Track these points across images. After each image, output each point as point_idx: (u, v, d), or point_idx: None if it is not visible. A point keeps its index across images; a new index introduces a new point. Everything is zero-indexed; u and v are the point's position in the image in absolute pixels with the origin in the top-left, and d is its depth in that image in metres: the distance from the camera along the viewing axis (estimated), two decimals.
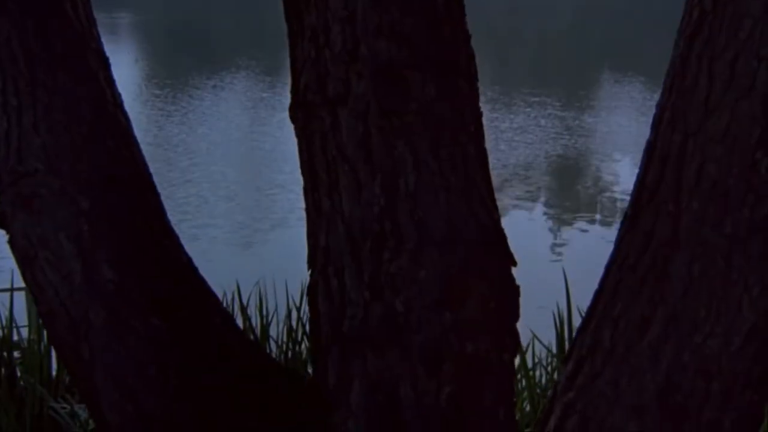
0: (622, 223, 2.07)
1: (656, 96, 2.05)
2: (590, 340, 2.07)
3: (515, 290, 2.09)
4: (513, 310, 2.09)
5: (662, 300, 1.97)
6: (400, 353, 1.99)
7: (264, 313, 4.75)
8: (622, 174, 13.59)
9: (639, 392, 1.99)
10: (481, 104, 2.09)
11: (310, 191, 2.09)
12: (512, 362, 2.10)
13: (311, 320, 2.09)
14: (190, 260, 2.13)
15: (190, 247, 2.18)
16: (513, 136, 15.10)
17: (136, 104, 16.71)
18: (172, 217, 2.18)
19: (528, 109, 17.44)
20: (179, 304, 2.03)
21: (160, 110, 16.77)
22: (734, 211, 1.91)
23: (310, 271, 2.10)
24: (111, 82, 2.19)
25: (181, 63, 22.35)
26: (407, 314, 1.98)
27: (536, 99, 18.21)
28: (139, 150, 2.16)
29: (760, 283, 1.92)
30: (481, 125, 2.07)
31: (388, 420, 2.00)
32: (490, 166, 2.10)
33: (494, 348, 2.04)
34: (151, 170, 2.17)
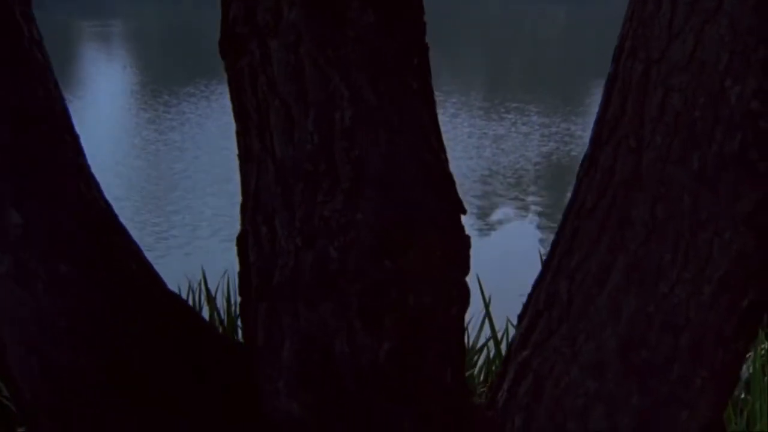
0: (581, 165, 1.90)
1: None
2: (545, 294, 1.89)
3: (465, 240, 1.91)
4: (462, 261, 1.91)
5: (623, 246, 1.79)
6: (334, 306, 1.81)
7: (232, 302, 4.59)
8: None
9: (598, 348, 1.81)
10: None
11: (241, 135, 1.92)
12: (461, 319, 1.92)
13: (240, 274, 1.91)
14: (108, 206, 1.95)
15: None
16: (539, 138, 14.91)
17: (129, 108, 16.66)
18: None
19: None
20: (92, 251, 1.85)
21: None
22: (701, 145, 1.74)
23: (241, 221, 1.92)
24: (29, 18, 2.02)
25: (168, 69, 22.24)
26: (342, 263, 1.80)
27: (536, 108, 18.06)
28: (57, 89, 1.99)
29: (732, 225, 1.74)
30: (426, 60, 1.89)
31: (322, 379, 1.82)
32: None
33: (440, 302, 1.86)
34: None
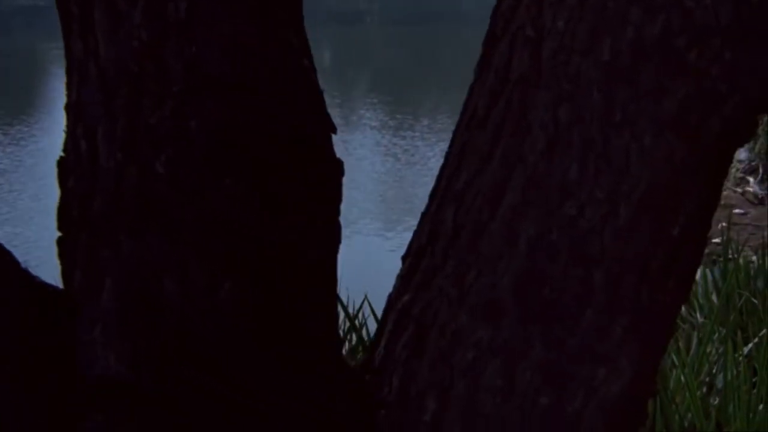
0: (474, 71, 1.55)
1: None
2: (430, 225, 1.54)
3: (335, 165, 1.56)
4: (331, 190, 1.56)
5: (520, 159, 1.44)
6: (162, 235, 1.46)
7: None
8: None
9: (491, 288, 1.45)
10: None
11: (66, 39, 1.58)
12: (329, 260, 1.57)
13: (60, 204, 1.56)
14: None
15: None
16: None
17: None
18: None
19: None
20: None
21: None
22: (613, 30, 1.39)
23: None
24: None
25: None
26: (172, 180, 1.45)
27: None
28: None
29: (654, 127, 1.39)
30: None
31: (148, 325, 1.46)
32: None
33: (301, 235, 1.51)
34: None
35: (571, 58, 1.41)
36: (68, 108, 1.55)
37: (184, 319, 1.45)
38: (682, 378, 3.47)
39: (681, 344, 3.93)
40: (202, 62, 1.46)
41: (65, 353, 1.52)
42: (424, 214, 1.56)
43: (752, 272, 4.83)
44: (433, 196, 1.54)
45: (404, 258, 1.57)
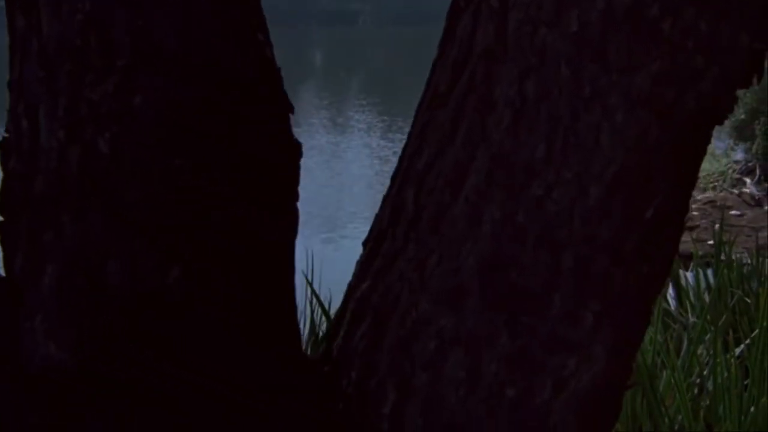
0: (438, 46, 1.49)
1: None
2: (391, 208, 1.48)
3: (292, 146, 1.50)
4: (288, 173, 1.50)
5: (484, 137, 1.38)
6: (107, 218, 1.40)
7: None
8: None
9: (454, 272, 1.39)
10: None
11: (9, 15, 1.52)
12: (289, 248, 1.51)
13: (1, 189, 1.50)
14: None
15: None
16: None
17: None
18: None
19: None
20: None
21: None
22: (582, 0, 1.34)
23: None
24: None
25: None
26: (115, 160, 1.39)
27: None
28: None
29: (626, 103, 1.34)
30: None
31: (91, 312, 1.40)
32: None
33: (255, 220, 1.45)
34: None
35: (537, 30, 1.35)
36: (10, 86, 1.50)
37: (130, 306, 1.39)
38: (673, 379, 3.42)
39: (672, 345, 3.88)
40: (150, 35, 1.41)
41: (8, 344, 1.46)
42: (385, 197, 1.50)
43: (746, 272, 4.79)
44: (394, 177, 1.49)
45: (365, 243, 1.52)
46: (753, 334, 3.71)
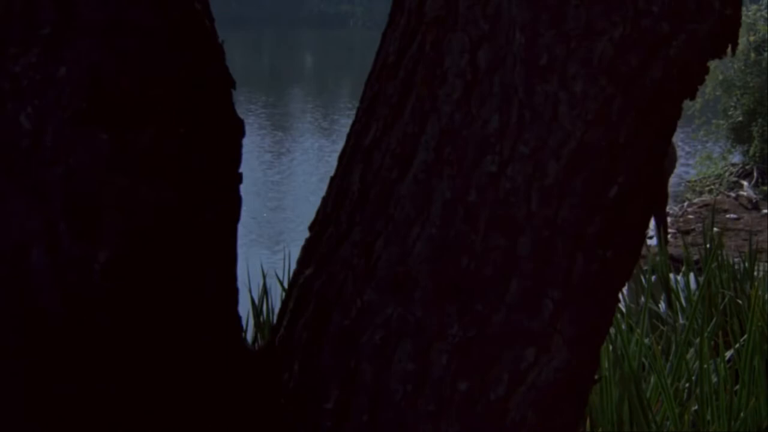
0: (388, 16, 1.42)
1: None
2: (336, 189, 1.40)
3: (234, 123, 1.43)
4: (231, 151, 1.43)
5: (434, 109, 1.31)
6: (30, 198, 1.32)
7: None
8: None
9: (401, 257, 1.32)
10: None
11: None
12: (230, 234, 1.43)
13: None
14: None
15: None
16: None
17: None
18: None
19: None
20: None
21: None
22: None
23: None
24: None
25: None
26: (38, 134, 1.31)
27: None
28: None
29: (586, 72, 1.26)
30: None
31: (17, 303, 1.32)
32: None
33: (192, 201, 1.38)
34: None
35: None
36: None
37: (54, 296, 1.31)
38: (660, 384, 3.34)
39: (660, 347, 3.81)
40: (75, 3, 1.33)
41: None
42: (332, 179, 1.43)
43: (739, 276, 4.73)
44: (341, 157, 1.41)
45: (311, 228, 1.44)
46: (743, 338, 3.64)
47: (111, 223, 1.32)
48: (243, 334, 1.47)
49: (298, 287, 1.40)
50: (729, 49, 1.35)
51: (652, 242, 7.65)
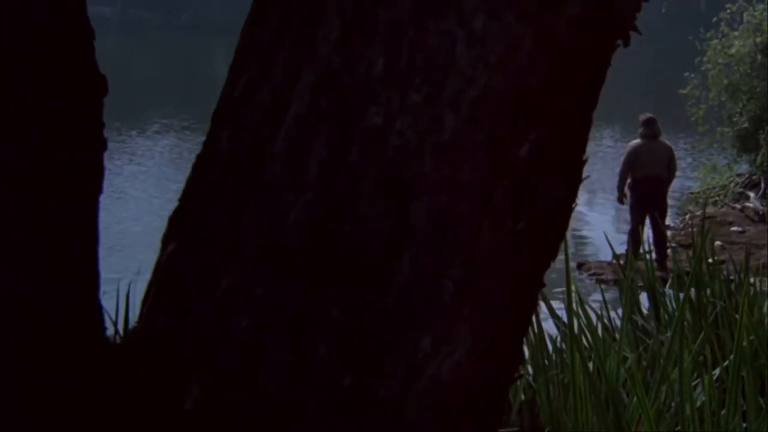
0: None
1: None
2: (207, 153, 1.25)
3: (95, 81, 1.28)
4: (89, 110, 1.28)
5: (310, 53, 1.15)
6: None
7: None
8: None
9: (272, 228, 1.16)
10: None
11: None
12: (91, 203, 1.28)
13: None
14: None
15: None
16: None
17: None
18: None
19: None
20: None
21: None
22: None
23: None
24: None
25: None
26: None
27: None
28: None
29: (488, 6, 1.11)
30: None
31: None
32: None
33: (45, 167, 1.22)
34: None
35: None
36: None
37: None
38: (641, 404, 3.18)
39: (642, 363, 3.66)
40: None
41: None
42: (204, 144, 1.27)
43: (733, 287, 4.58)
44: (213, 117, 1.26)
45: (180, 200, 1.29)
46: (731, 357, 3.48)
47: None
48: (103, 325, 1.31)
49: (161, 268, 1.24)
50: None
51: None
